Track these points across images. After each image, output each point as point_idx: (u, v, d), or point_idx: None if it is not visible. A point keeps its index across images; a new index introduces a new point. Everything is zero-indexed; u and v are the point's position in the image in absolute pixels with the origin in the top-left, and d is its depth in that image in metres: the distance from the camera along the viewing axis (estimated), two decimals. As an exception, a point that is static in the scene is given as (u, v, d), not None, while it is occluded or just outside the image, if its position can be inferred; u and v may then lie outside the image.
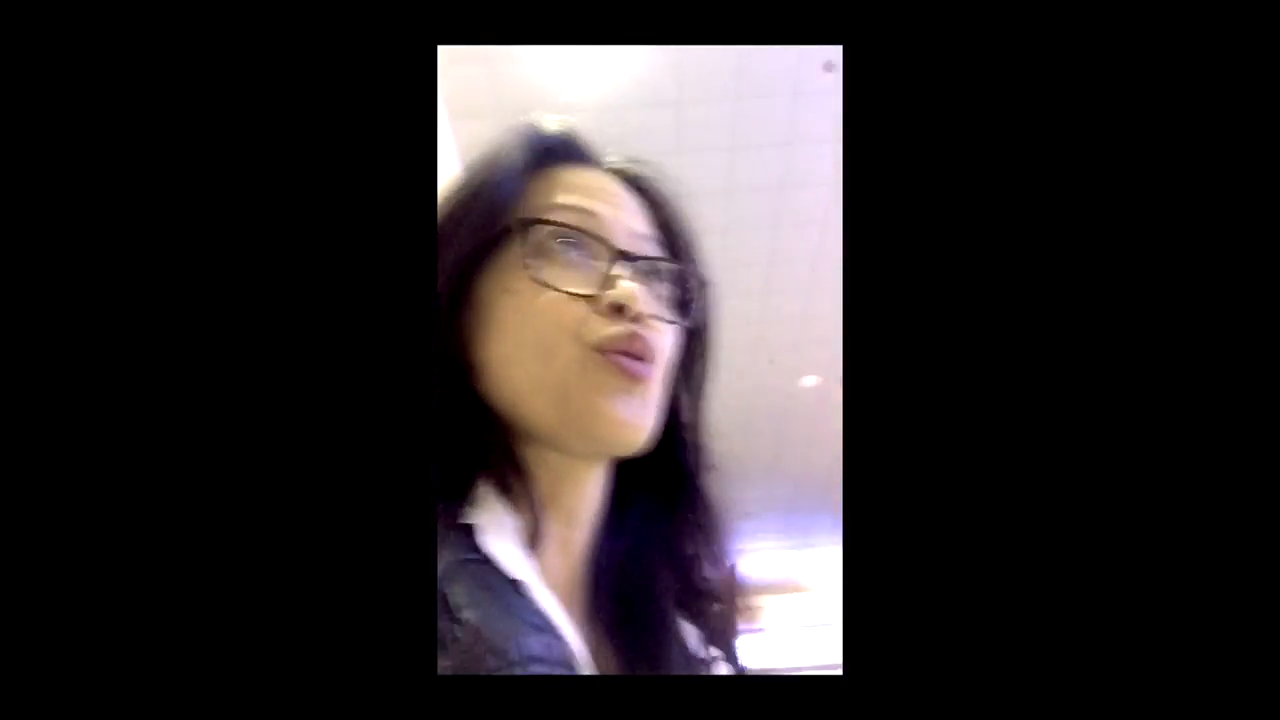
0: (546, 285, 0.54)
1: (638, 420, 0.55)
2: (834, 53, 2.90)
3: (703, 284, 0.62)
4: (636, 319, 0.55)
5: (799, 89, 3.18)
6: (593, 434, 0.54)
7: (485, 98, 3.01)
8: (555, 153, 0.61)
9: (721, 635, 0.62)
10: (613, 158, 0.64)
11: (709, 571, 0.62)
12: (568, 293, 0.54)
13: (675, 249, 0.62)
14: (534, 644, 0.47)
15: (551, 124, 0.62)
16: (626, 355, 0.54)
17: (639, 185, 0.63)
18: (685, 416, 0.63)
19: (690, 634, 0.62)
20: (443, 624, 0.44)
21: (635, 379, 0.54)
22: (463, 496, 0.52)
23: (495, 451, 0.54)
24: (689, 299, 0.61)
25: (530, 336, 0.54)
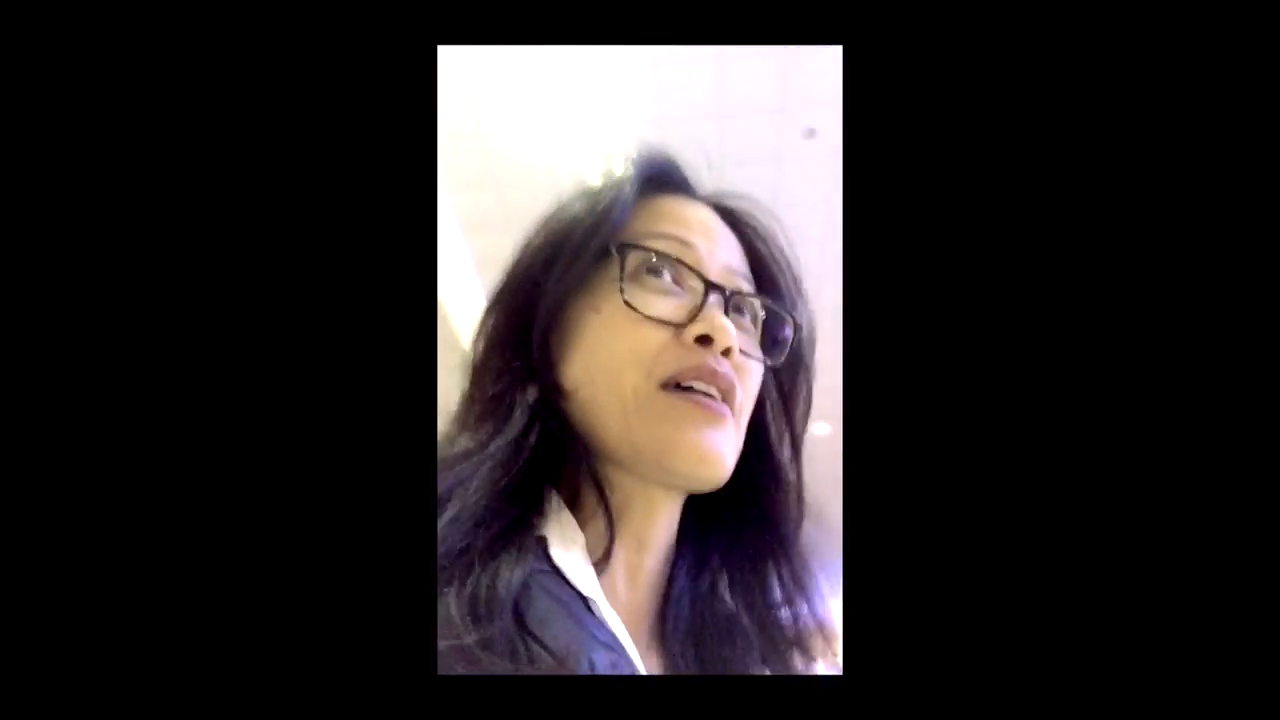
0: (634, 309, 0.54)
1: (713, 454, 0.54)
2: (816, 119, 2.90)
3: (797, 325, 0.61)
4: (726, 353, 0.54)
5: (782, 156, 3.19)
6: (664, 464, 0.54)
7: (480, 171, 3.07)
8: (658, 180, 0.61)
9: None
10: (712, 189, 0.64)
11: (792, 621, 0.61)
12: (654, 319, 0.54)
13: (771, 286, 0.62)
14: (602, 661, 0.46)
15: (658, 151, 0.62)
16: (703, 391, 0.53)
17: (737, 220, 0.62)
18: (779, 457, 0.62)
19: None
20: (516, 638, 0.44)
21: (710, 414, 0.54)
22: (532, 506, 0.52)
23: (568, 466, 0.55)
24: (781, 338, 0.60)
25: (605, 359, 0.54)
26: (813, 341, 0.63)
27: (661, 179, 0.61)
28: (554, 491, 0.54)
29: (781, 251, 0.63)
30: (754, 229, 0.62)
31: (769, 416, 0.62)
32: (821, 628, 0.62)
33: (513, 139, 3.14)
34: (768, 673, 0.60)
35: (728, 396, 0.55)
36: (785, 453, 0.62)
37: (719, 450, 0.54)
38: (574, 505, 0.54)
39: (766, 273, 0.62)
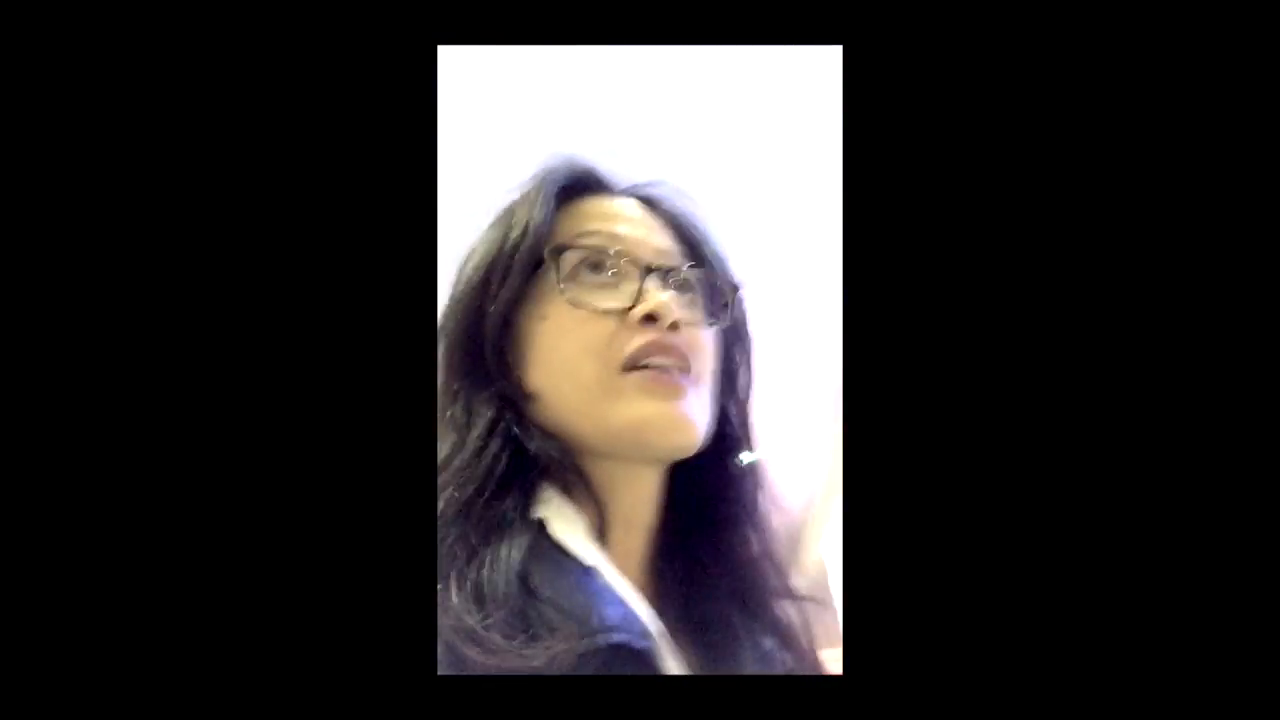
0: (580, 305, 0.57)
1: (683, 421, 0.57)
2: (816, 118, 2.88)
3: (734, 287, 0.64)
4: (673, 327, 0.57)
5: (782, 155, 3.20)
6: (640, 440, 0.56)
7: (480, 170, 3.06)
8: (577, 187, 0.64)
9: (797, 639, 0.62)
10: (628, 184, 0.66)
11: (774, 574, 0.64)
12: (599, 310, 0.57)
13: (703, 259, 0.64)
14: (613, 614, 0.49)
15: (569, 159, 0.65)
16: (660, 367, 0.56)
17: (658, 206, 0.65)
18: (734, 420, 0.65)
19: (768, 640, 0.62)
20: (527, 606, 0.47)
21: (671, 385, 0.56)
22: (528, 500, 0.54)
23: (554, 464, 0.56)
24: (723, 302, 0.63)
25: (560, 359, 0.57)
26: (744, 310, 0.66)
27: (579, 184, 0.64)
28: (549, 484, 0.56)
29: (702, 229, 0.65)
30: (674, 213, 0.65)
31: (721, 381, 0.64)
32: (818, 575, 0.65)
33: (513, 139, 3.13)
34: (764, 637, 0.62)
35: (685, 366, 0.57)
36: (735, 416, 0.65)
37: (688, 417, 0.57)
38: (567, 491, 0.56)
39: (695, 249, 0.64)
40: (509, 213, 0.62)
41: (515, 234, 0.60)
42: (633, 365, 0.56)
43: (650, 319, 0.57)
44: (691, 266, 0.62)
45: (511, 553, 0.50)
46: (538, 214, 0.60)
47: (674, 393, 0.56)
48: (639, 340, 0.56)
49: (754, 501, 0.64)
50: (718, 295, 0.63)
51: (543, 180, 0.63)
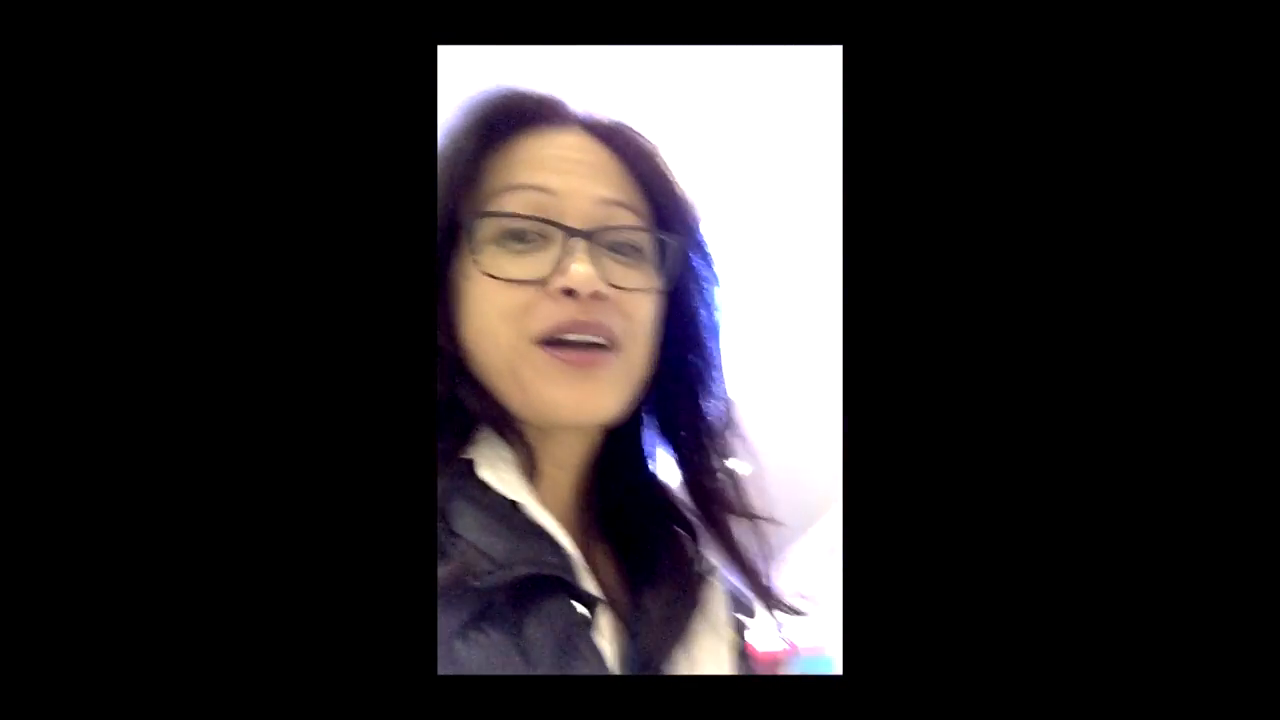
0: (494, 275, 0.54)
1: (592, 405, 0.56)
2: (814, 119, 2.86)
3: (679, 242, 0.60)
4: (594, 296, 0.54)
5: (782, 155, 3.19)
6: (550, 418, 0.56)
7: None
8: (520, 117, 0.58)
9: (732, 548, 0.62)
10: (583, 110, 0.61)
11: (709, 477, 0.62)
12: (514, 281, 0.54)
13: (659, 205, 0.60)
14: (526, 549, 0.50)
15: (513, 88, 0.59)
16: (572, 344, 0.54)
17: (614, 141, 0.60)
18: (693, 358, 0.62)
19: (691, 546, 0.62)
20: (441, 538, 0.48)
21: (584, 367, 0.54)
22: (463, 440, 0.54)
23: (487, 411, 0.56)
24: (671, 259, 0.59)
25: (480, 322, 0.55)
26: (707, 246, 0.63)
27: (525, 115, 0.58)
28: (482, 424, 0.55)
29: (663, 169, 0.61)
30: (634, 148, 0.60)
31: (681, 320, 0.62)
32: (736, 427, 0.63)
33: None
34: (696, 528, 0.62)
35: (607, 338, 0.55)
36: (694, 352, 0.62)
37: (596, 400, 0.55)
38: (500, 432, 0.56)
39: (653, 192, 0.60)
40: (440, 157, 0.57)
41: (441, 188, 0.55)
42: (548, 339, 0.54)
43: (568, 292, 0.54)
44: (628, 226, 0.58)
45: (437, 490, 0.50)
46: (457, 162, 0.56)
47: (587, 374, 0.54)
48: (555, 315, 0.54)
49: (705, 420, 0.63)
50: (666, 249, 0.59)
51: (460, 123, 0.58)
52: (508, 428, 0.56)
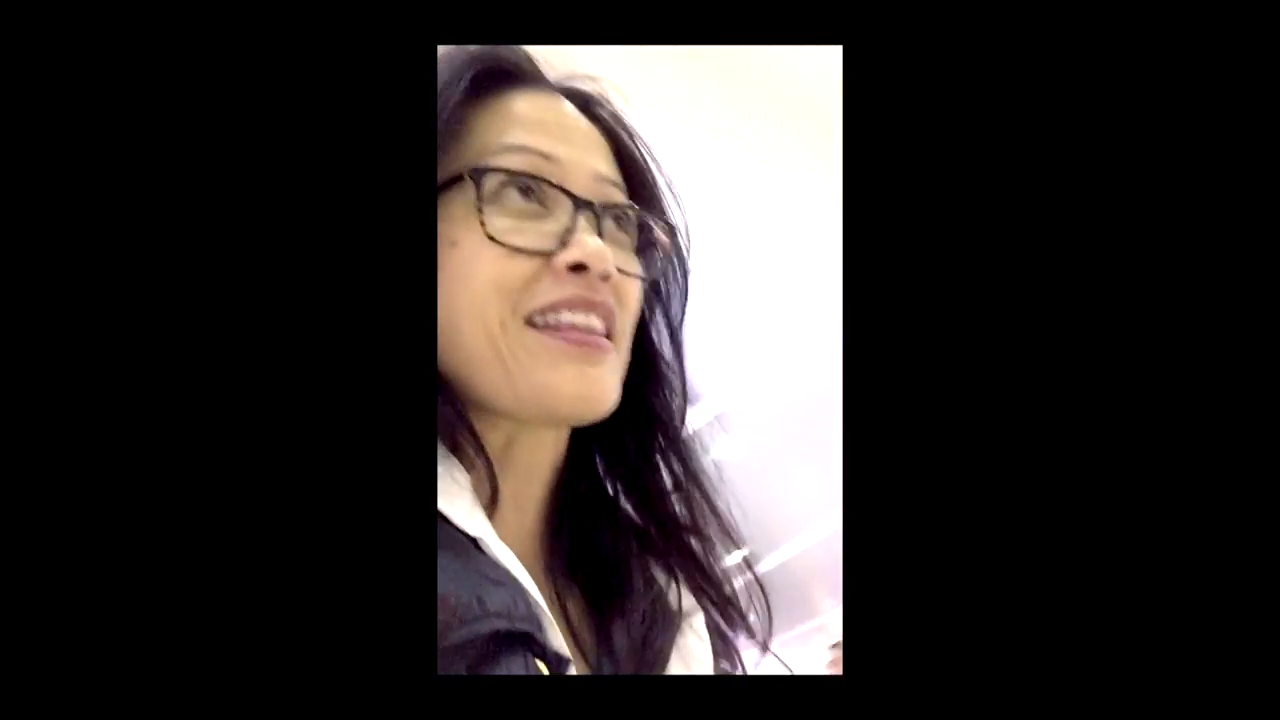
0: (497, 242, 0.48)
1: (595, 393, 0.50)
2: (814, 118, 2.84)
3: (672, 228, 0.56)
4: (604, 277, 0.49)
5: (782, 155, 3.19)
6: (545, 408, 0.50)
7: None
8: (502, 75, 0.54)
9: (708, 580, 0.58)
10: (561, 74, 0.57)
11: (685, 507, 0.58)
12: (522, 250, 0.49)
13: (640, 184, 0.56)
14: (497, 599, 0.44)
15: (490, 47, 0.54)
16: (580, 325, 0.49)
17: (595, 110, 0.56)
18: (662, 354, 0.58)
19: (671, 590, 0.57)
20: None
21: (588, 350, 0.49)
22: None
23: (444, 415, 0.50)
24: (657, 245, 0.55)
25: (468, 300, 0.49)
26: (687, 238, 0.58)
27: (506, 74, 0.53)
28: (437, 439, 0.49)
29: (644, 143, 0.57)
30: (615, 124, 0.56)
31: (650, 315, 0.57)
32: (715, 511, 0.59)
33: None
34: (656, 574, 0.57)
35: (609, 323, 0.50)
36: (667, 350, 0.58)
37: (601, 388, 0.50)
38: (455, 448, 0.50)
39: (634, 169, 0.56)
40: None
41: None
42: (547, 319, 0.49)
43: (580, 268, 0.48)
44: (630, 206, 0.53)
45: None
46: (440, 123, 0.50)
47: (591, 358, 0.49)
48: (563, 292, 0.48)
49: (669, 435, 0.57)
50: (653, 235, 0.54)
51: (446, 74, 0.51)
52: (465, 437, 0.50)
